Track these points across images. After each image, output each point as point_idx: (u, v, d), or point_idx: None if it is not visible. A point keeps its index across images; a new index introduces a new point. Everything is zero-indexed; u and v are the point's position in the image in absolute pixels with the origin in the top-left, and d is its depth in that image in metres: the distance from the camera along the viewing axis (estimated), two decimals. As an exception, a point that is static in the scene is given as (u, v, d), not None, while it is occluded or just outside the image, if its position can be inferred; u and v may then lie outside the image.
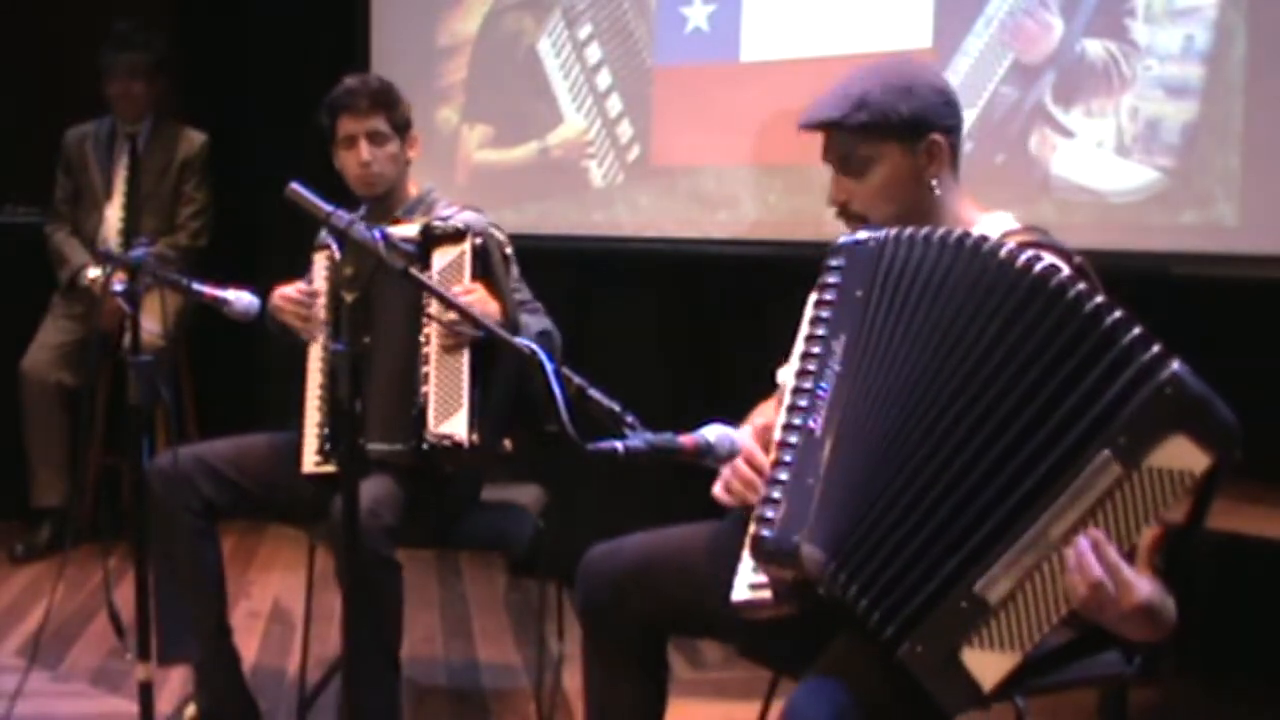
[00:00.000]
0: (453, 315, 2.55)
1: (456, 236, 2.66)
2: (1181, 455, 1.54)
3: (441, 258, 2.65)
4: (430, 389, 2.61)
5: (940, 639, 1.65)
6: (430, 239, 2.67)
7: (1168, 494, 1.54)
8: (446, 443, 2.58)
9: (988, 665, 1.63)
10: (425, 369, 2.63)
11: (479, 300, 2.60)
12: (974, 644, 1.63)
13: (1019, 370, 1.62)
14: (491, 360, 2.63)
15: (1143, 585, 1.53)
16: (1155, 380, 1.57)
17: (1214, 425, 1.54)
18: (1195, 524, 1.59)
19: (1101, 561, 1.53)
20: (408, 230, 2.66)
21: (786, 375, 2.15)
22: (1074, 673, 2.08)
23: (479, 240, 2.65)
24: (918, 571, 1.66)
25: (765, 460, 1.85)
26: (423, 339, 2.65)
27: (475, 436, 2.58)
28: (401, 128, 2.91)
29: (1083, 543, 1.55)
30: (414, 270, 1.81)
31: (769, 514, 1.79)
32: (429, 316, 2.61)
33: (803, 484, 1.77)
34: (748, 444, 1.89)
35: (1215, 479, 1.54)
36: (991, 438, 1.63)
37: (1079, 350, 1.59)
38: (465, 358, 2.60)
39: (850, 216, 2.03)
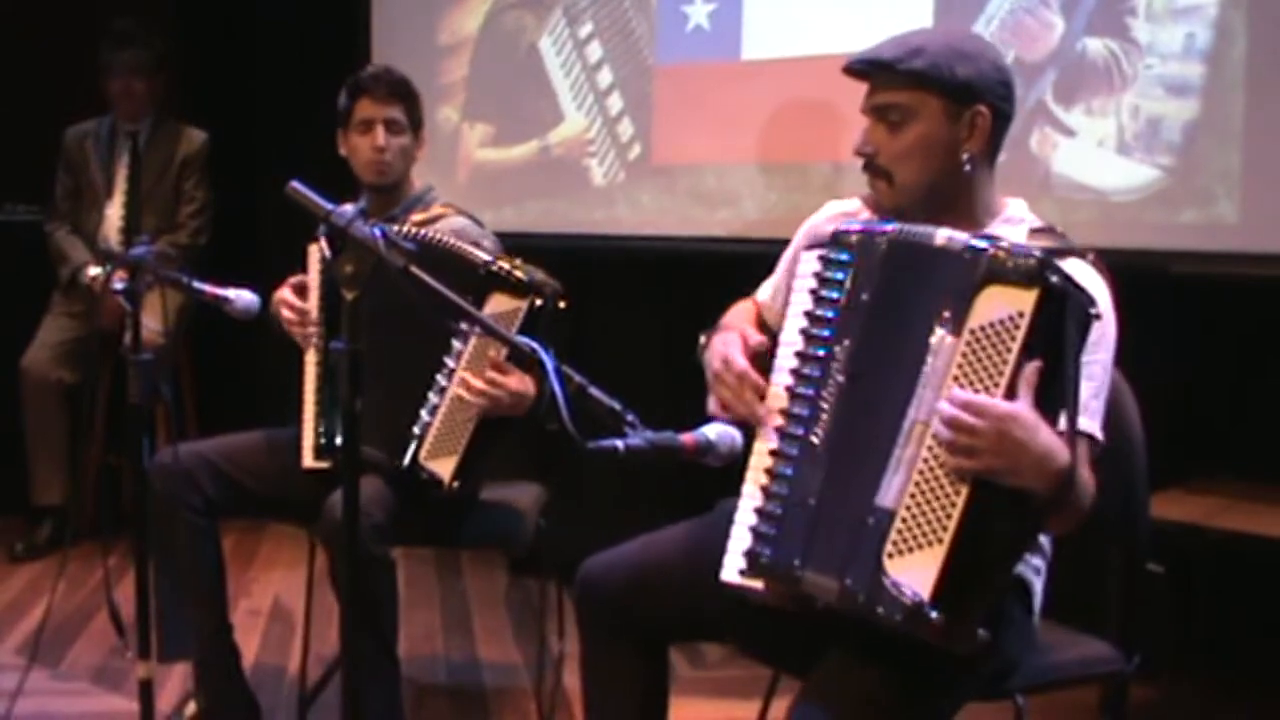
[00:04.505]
0: (494, 375, 2.51)
1: (519, 289, 2.51)
2: (1001, 303, 1.65)
3: (495, 305, 2.52)
4: (435, 422, 2.58)
5: (862, 561, 1.66)
6: (491, 278, 2.53)
7: (1007, 340, 1.63)
8: (426, 476, 2.57)
9: (915, 569, 1.62)
10: (438, 400, 2.58)
11: (518, 380, 2.53)
12: (892, 553, 1.65)
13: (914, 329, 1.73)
14: (503, 423, 2.58)
15: (1027, 411, 1.61)
16: (953, 256, 1.71)
17: (1017, 266, 1.65)
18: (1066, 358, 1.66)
19: (968, 409, 1.61)
20: (477, 254, 2.58)
21: (764, 293, 2.18)
22: (1074, 671, 2.10)
23: (540, 302, 2.51)
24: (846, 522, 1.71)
25: (747, 368, 1.91)
26: (448, 366, 2.58)
27: (456, 484, 2.57)
28: (416, 123, 2.91)
29: (943, 407, 1.63)
30: (414, 269, 1.79)
31: (767, 529, 1.81)
32: (462, 345, 2.55)
33: (802, 502, 1.78)
34: (735, 355, 1.93)
35: (1055, 305, 1.63)
36: (891, 389, 1.72)
37: (929, 278, 1.73)
38: (478, 414, 2.56)
39: (875, 171, 1.96)
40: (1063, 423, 1.67)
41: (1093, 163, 3.06)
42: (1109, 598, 2.19)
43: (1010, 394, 1.62)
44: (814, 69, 3.43)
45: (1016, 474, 1.62)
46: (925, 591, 1.61)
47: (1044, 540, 2.01)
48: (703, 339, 2.08)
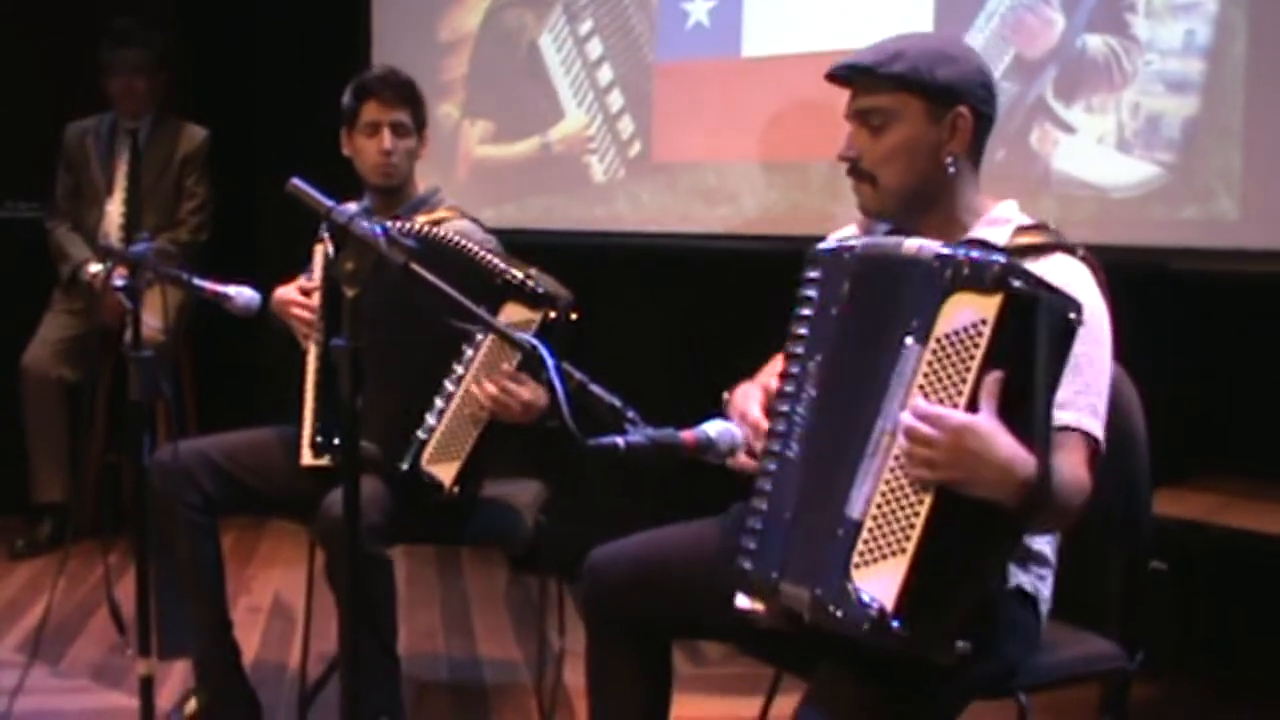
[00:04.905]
0: (508, 383, 2.50)
1: (535, 300, 2.51)
2: (966, 310, 1.62)
3: (510, 315, 2.51)
4: (441, 427, 2.58)
5: (831, 571, 1.66)
6: (506, 287, 2.53)
7: (970, 348, 1.60)
8: (427, 480, 2.57)
9: (880, 579, 1.62)
10: (444, 405, 2.57)
11: (530, 391, 2.51)
12: (859, 563, 1.64)
13: (885, 341, 1.70)
14: (508, 431, 2.58)
15: (985, 421, 1.59)
16: (921, 264, 1.69)
17: (979, 272, 1.62)
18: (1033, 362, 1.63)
19: (925, 420, 1.60)
20: (495, 262, 2.56)
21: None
22: (1077, 668, 2.10)
23: (554, 314, 2.51)
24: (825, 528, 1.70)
25: (759, 419, 1.91)
26: (457, 372, 2.57)
27: (457, 489, 2.57)
28: (421, 125, 2.91)
29: (903, 418, 1.62)
30: (415, 266, 1.79)
31: (750, 545, 1.81)
32: (473, 353, 2.55)
33: (779, 517, 1.79)
34: (751, 409, 1.94)
35: (1021, 310, 1.59)
36: (861, 401, 1.71)
37: (906, 292, 1.70)
38: (485, 420, 2.56)
39: (859, 174, 1.97)
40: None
41: (1093, 159, 3.06)
42: (1111, 595, 2.18)
43: (973, 402, 1.60)
44: (815, 66, 3.38)
45: (975, 485, 1.61)
46: (889, 601, 1.60)
47: (1048, 549, 2.00)
48: (725, 395, 2.08)
